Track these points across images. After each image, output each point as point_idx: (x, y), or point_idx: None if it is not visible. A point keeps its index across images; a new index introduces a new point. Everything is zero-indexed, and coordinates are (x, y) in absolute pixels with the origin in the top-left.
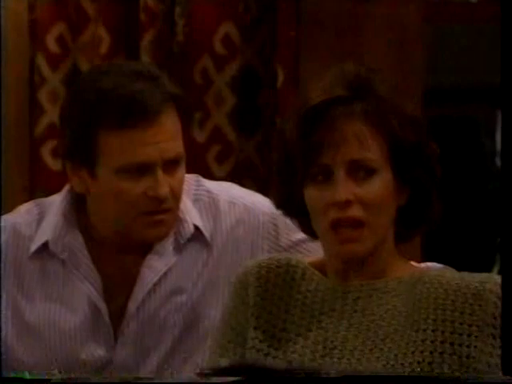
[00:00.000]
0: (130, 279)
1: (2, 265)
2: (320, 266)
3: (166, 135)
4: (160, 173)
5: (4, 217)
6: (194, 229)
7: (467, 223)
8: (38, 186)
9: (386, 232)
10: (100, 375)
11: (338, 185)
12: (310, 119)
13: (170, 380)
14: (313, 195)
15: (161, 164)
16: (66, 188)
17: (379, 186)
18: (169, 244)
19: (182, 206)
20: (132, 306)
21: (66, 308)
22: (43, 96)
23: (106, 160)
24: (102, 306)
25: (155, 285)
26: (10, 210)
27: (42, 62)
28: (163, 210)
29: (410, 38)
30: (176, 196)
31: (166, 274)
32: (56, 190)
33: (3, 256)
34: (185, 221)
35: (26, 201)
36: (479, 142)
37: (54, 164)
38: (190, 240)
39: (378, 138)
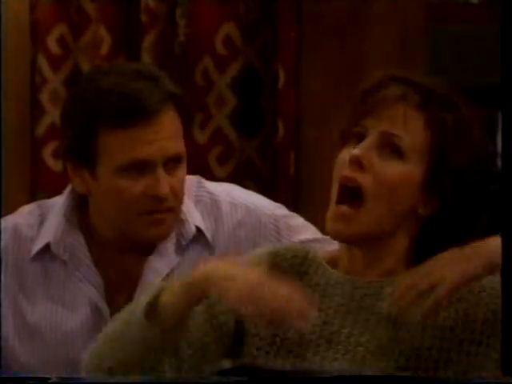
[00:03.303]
0: (132, 280)
1: (3, 266)
2: (331, 260)
3: (166, 133)
4: (160, 171)
5: (6, 218)
6: (195, 230)
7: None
8: (39, 186)
9: (390, 226)
10: (99, 375)
11: (360, 144)
12: (373, 85)
13: (170, 380)
14: (339, 156)
15: (161, 162)
16: (68, 189)
17: (401, 170)
18: (171, 245)
19: (183, 207)
20: None
21: (67, 309)
22: (44, 97)
23: (106, 159)
24: (104, 307)
25: None
26: (11, 210)
27: (43, 62)
28: (164, 209)
29: (412, 39)
30: (177, 195)
31: (167, 275)
32: (57, 190)
33: (4, 257)
34: (186, 222)
35: (27, 202)
36: None
37: (55, 165)
38: (191, 241)
39: (427, 133)
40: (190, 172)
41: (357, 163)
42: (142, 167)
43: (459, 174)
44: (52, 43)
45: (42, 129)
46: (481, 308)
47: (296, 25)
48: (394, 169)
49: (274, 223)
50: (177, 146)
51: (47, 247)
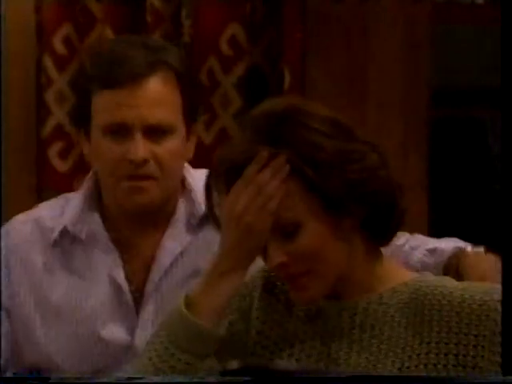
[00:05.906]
0: (147, 259)
1: (24, 256)
2: None
3: (149, 100)
4: (139, 137)
5: (29, 211)
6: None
7: (474, 224)
8: (45, 186)
9: (346, 259)
10: (99, 375)
11: (268, 245)
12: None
13: (172, 379)
14: None
15: (140, 128)
16: (89, 175)
17: (311, 236)
18: (181, 225)
19: (193, 186)
20: (149, 288)
21: (87, 286)
22: (50, 97)
23: (94, 121)
24: (123, 282)
25: (171, 265)
26: (16, 210)
27: (48, 63)
28: (142, 176)
29: (417, 40)
30: (162, 165)
31: (181, 254)
32: (63, 190)
33: (25, 246)
34: (196, 201)
35: (32, 202)
36: (486, 143)
37: (60, 165)
38: (202, 221)
39: (297, 186)
40: None
41: (281, 266)
42: (120, 130)
43: (347, 181)
44: (58, 43)
45: (47, 129)
46: (473, 320)
47: (301, 25)
48: (305, 240)
49: None
50: (160, 114)
51: (66, 230)
